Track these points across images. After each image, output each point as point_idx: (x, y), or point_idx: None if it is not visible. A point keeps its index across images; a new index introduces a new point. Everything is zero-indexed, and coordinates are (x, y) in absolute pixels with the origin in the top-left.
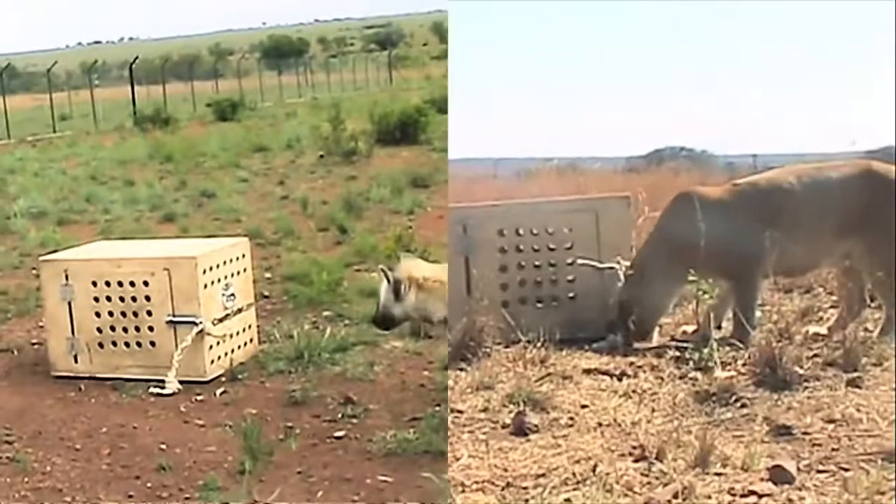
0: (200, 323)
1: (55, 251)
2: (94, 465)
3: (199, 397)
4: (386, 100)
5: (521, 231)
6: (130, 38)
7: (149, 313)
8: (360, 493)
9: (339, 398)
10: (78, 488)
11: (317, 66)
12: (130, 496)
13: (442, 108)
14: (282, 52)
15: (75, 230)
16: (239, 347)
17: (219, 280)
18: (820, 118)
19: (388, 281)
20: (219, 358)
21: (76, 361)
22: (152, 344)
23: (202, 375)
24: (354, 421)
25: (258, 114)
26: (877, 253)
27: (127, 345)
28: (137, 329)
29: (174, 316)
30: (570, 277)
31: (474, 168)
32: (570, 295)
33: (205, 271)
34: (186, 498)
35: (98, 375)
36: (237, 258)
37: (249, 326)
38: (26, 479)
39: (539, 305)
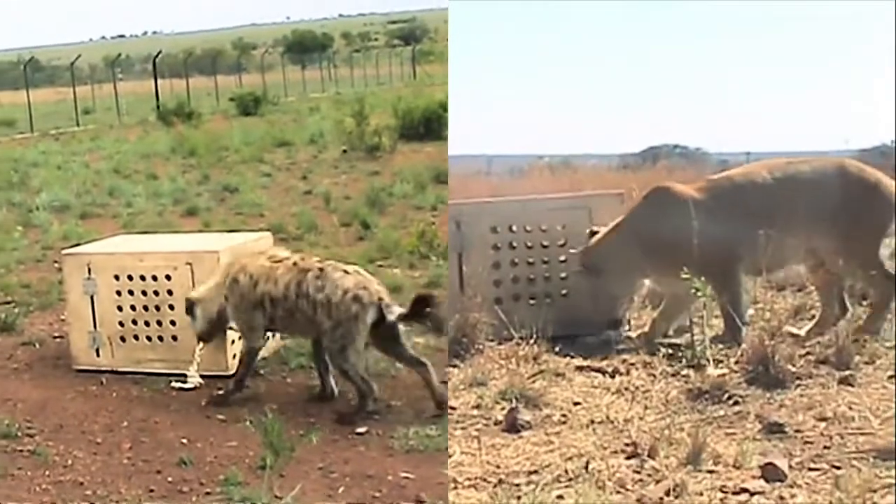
0: None
1: (77, 245)
2: (115, 458)
3: (220, 392)
4: (409, 95)
5: (514, 228)
6: (154, 32)
7: (171, 307)
8: (381, 489)
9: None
10: (99, 482)
11: (340, 61)
12: (151, 490)
13: None
14: (305, 46)
15: (98, 224)
16: None
17: None
18: (814, 116)
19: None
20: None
21: (98, 355)
22: (174, 338)
23: (224, 370)
24: (376, 417)
25: (281, 108)
26: (848, 252)
27: (149, 339)
28: (159, 323)
29: None
30: (562, 274)
31: (468, 165)
32: (563, 292)
33: None
34: (207, 493)
35: (120, 369)
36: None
37: None
38: (48, 473)
39: (532, 302)
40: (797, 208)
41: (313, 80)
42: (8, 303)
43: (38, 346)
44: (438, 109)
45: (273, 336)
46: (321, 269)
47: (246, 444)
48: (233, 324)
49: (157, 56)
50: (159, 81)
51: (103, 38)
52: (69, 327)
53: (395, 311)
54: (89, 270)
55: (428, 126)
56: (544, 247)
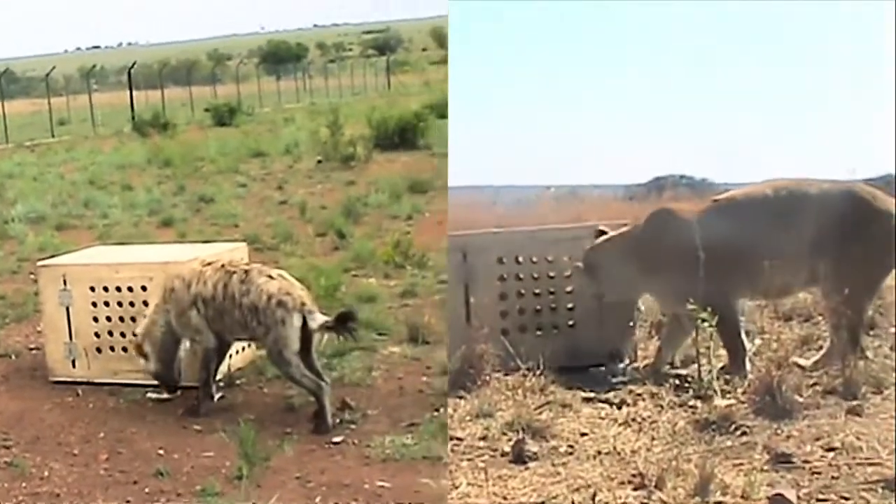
0: None
1: (53, 256)
2: (91, 469)
3: (194, 402)
4: (384, 105)
5: (520, 259)
6: (129, 44)
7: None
8: (357, 498)
9: (337, 403)
10: (76, 493)
11: (315, 72)
12: (128, 501)
13: (441, 113)
14: (280, 57)
15: (74, 235)
16: (237, 353)
17: None
18: (819, 147)
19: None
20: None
21: (74, 366)
22: None
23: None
24: (352, 426)
25: (256, 119)
26: (844, 278)
27: (125, 350)
28: (135, 335)
29: None
30: (569, 305)
31: (475, 196)
32: (570, 323)
33: None
34: (184, 503)
35: (96, 380)
36: None
37: None
38: (24, 484)
39: (539, 333)
40: (801, 230)
41: (288, 91)
42: None
43: (14, 357)
44: (413, 119)
45: (249, 346)
46: (246, 272)
47: (223, 454)
48: (180, 333)
49: (132, 67)
50: (134, 92)
51: (78, 49)
52: (45, 339)
53: (317, 318)
54: (65, 282)
55: (402, 135)
56: (550, 278)
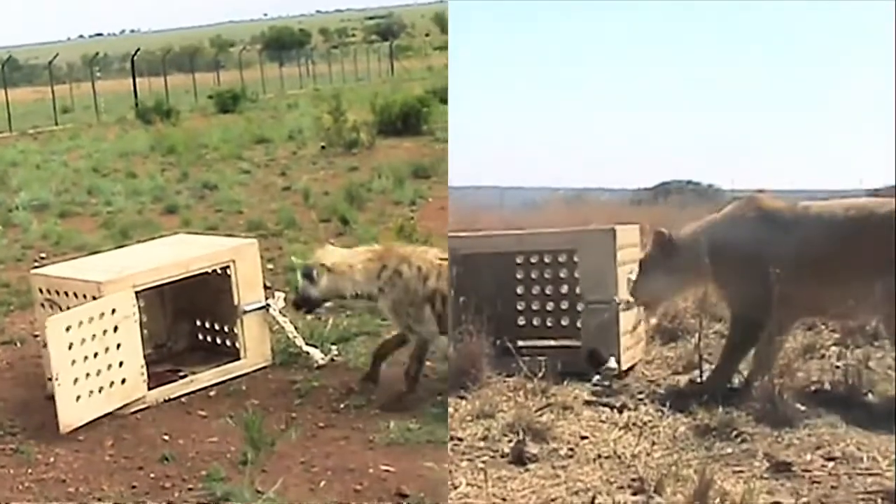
0: None
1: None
2: (97, 456)
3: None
4: (387, 90)
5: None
6: (132, 31)
7: None
8: (362, 482)
9: (342, 388)
10: (81, 479)
11: (318, 58)
12: (133, 487)
13: (444, 98)
14: (283, 43)
15: (77, 222)
16: None
17: None
18: (827, 155)
19: (301, 269)
20: None
21: None
22: None
23: (269, 361)
24: (356, 411)
25: (260, 105)
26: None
27: None
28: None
29: None
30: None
31: (480, 197)
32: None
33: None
34: (189, 489)
35: None
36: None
37: None
38: (30, 471)
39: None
40: (877, 252)
41: (291, 77)
42: None
43: (18, 344)
44: (416, 104)
45: None
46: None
47: (227, 439)
48: (394, 319)
49: (135, 54)
50: (138, 79)
51: (81, 36)
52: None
53: None
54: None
55: (406, 121)
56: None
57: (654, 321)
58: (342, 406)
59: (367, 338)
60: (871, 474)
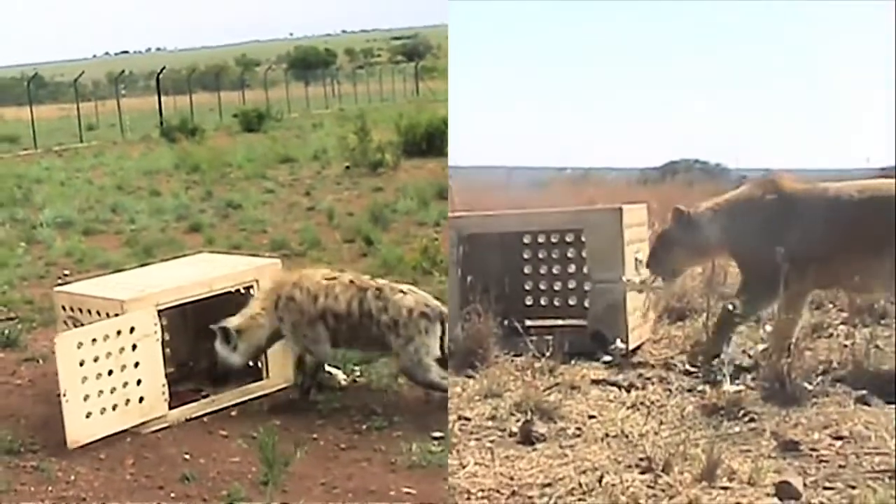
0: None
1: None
2: (117, 474)
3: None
4: (413, 111)
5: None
6: (157, 49)
7: None
8: None
9: (364, 410)
10: (101, 497)
11: (344, 78)
12: None
13: None
14: (309, 63)
15: (101, 240)
16: None
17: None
18: (833, 134)
19: (219, 334)
20: None
21: None
22: None
23: (291, 381)
24: (378, 433)
25: (284, 125)
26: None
27: None
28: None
29: None
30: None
31: (487, 176)
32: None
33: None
34: None
35: None
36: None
37: None
38: (50, 489)
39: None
40: (884, 230)
41: (316, 97)
42: (11, 319)
43: (41, 361)
44: (441, 125)
45: None
46: (379, 290)
47: (248, 459)
48: (294, 342)
49: (160, 72)
50: (163, 97)
51: (107, 54)
52: None
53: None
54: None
55: (430, 142)
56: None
57: (661, 303)
58: (364, 427)
59: (390, 359)
60: (878, 453)
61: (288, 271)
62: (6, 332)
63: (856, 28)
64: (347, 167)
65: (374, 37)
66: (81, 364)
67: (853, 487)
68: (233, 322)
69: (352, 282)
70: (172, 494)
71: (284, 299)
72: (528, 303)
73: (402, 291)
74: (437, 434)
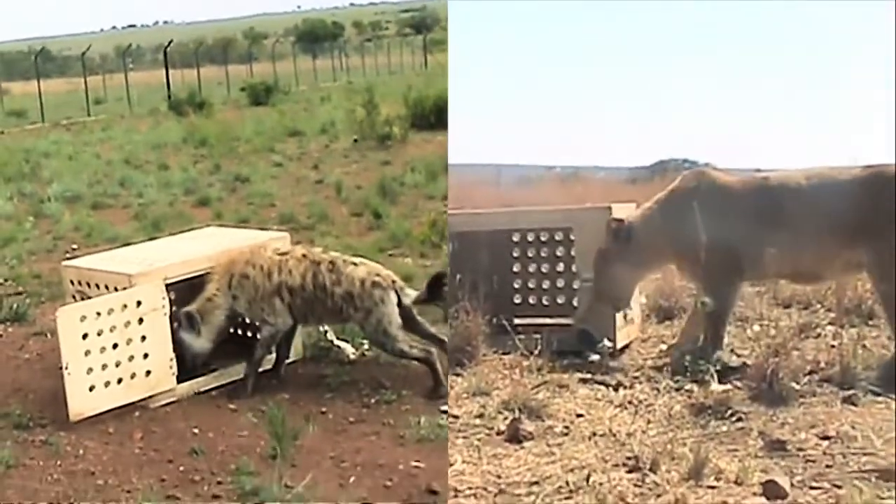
0: None
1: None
2: (126, 448)
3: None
4: (421, 84)
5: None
6: (164, 22)
7: None
8: (392, 478)
9: (372, 383)
10: (110, 472)
11: (351, 50)
12: (163, 480)
13: None
14: (316, 35)
15: (109, 214)
16: None
17: None
18: (823, 133)
19: (181, 321)
20: None
21: None
22: None
23: (299, 356)
24: (387, 406)
25: (292, 98)
26: (881, 264)
27: None
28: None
29: None
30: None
31: (476, 173)
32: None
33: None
34: (219, 482)
35: None
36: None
37: None
38: (59, 463)
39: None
40: (838, 217)
41: (324, 70)
42: (19, 293)
43: (48, 336)
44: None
45: None
46: (332, 263)
47: (257, 433)
48: (252, 317)
49: (167, 46)
50: (170, 71)
51: (114, 27)
52: None
53: (409, 293)
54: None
55: (439, 115)
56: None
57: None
58: (373, 401)
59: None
60: (865, 453)
61: (239, 250)
62: (14, 306)
63: (855, 28)
64: (355, 140)
65: (381, 9)
66: (85, 337)
67: (840, 487)
68: (192, 307)
69: (304, 256)
70: (181, 468)
71: (238, 277)
72: (517, 301)
73: (353, 263)
74: (446, 408)
